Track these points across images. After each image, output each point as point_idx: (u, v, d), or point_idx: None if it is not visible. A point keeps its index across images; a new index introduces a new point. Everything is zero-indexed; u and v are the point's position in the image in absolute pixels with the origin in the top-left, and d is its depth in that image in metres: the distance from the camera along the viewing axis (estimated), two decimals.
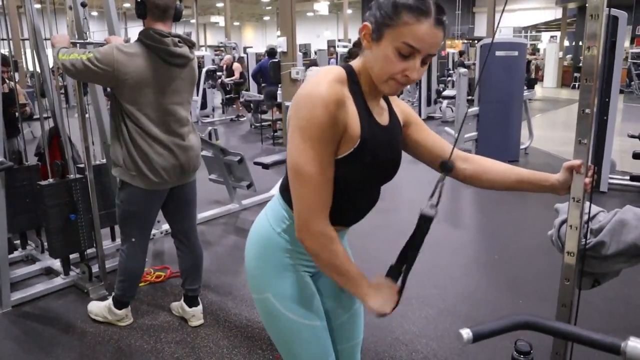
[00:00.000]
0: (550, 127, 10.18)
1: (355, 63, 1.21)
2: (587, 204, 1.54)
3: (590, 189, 1.24)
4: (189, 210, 2.73)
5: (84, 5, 2.76)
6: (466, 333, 0.90)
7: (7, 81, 4.21)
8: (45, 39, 3.18)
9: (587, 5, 1.13)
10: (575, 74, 19.09)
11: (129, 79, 2.27)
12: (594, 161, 5.18)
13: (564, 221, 1.45)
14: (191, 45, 2.48)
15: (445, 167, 1.23)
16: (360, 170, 1.19)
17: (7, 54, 3.56)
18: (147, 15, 2.34)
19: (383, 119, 1.25)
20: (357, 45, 1.22)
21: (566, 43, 21.13)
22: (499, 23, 1.35)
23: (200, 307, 2.79)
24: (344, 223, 1.33)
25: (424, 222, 1.18)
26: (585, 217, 1.53)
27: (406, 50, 1.09)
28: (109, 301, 2.75)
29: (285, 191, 1.27)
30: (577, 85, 18.60)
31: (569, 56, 20.98)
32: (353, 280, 1.18)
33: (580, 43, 19.67)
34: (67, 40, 2.56)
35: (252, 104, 9.77)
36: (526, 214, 4.62)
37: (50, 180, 3.03)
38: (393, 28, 1.08)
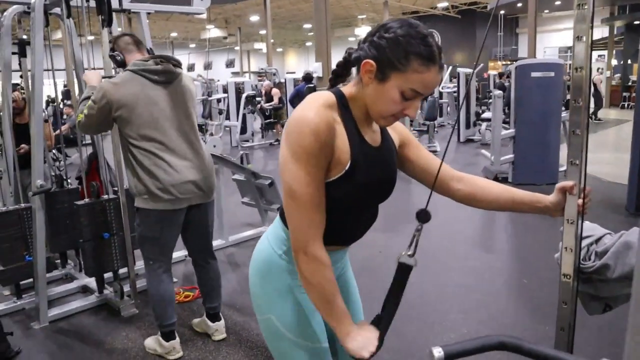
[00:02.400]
0: (597, 148, 9.85)
1: (346, 89, 1.24)
2: (588, 224, 1.52)
3: (582, 210, 1.22)
4: (204, 232, 2.77)
5: (111, 57, 2.92)
6: (438, 352, 0.91)
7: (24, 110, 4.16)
8: (85, 69, 3.40)
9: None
10: (625, 94, 18.45)
11: (122, 104, 2.41)
12: (638, 181, 4.99)
13: None
14: (175, 64, 2.59)
15: (421, 217, 1.17)
16: (354, 191, 1.21)
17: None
18: (124, 56, 2.60)
19: (375, 140, 1.28)
20: (340, 66, 1.26)
21: (614, 62, 20.49)
22: (482, 49, 1.37)
23: (222, 322, 2.86)
24: (342, 242, 1.35)
25: (403, 272, 1.15)
26: (590, 240, 1.51)
27: (411, 94, 1.14)
28: (159, 334, 2.73)
29: (284, 214, 1.32)
30: (627, 105, 17.96)
31: (617, 75, 20.32)
32: (337, 313, 1.17)
33: (629, 61, 19.05)
34: (99, 77, 2.73)
35: None
36: (559, 239, 4.48)
37: (86, 200, 3.19)
38: (401, 73, 1.11)
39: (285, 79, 12.26)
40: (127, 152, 2.53)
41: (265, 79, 16.25)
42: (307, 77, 9.01)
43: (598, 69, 19.05)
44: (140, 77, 2.48)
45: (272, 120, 11.82)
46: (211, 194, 2.69)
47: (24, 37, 3.69)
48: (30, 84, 3.15)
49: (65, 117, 10.37)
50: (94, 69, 3.61)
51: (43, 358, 2.75)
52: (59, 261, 3.90)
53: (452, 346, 0.93)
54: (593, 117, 14.68)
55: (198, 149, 2.61)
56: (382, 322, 1.17)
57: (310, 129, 1.12)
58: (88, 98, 2.51)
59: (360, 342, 1.14)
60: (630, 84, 18.24)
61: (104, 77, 2.87)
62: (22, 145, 3.87)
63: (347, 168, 1.18)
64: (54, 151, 4.97)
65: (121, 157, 3.11)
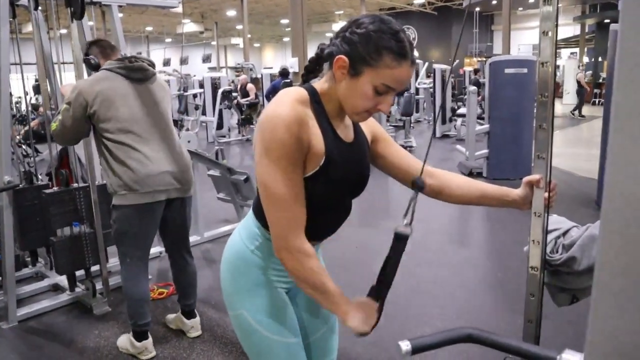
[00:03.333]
0: (568, 144, 10.05)
1: (318, 85, 1.24)
2: (556, 217, 1.54)
3: (548, 203, 1.24)
4: (182, 228, 2.75)
5: (85, 62, 2.86)
6: (405, 345, 0.91)
7: None
8: (54, 64, 3.32)
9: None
10: (595, 90, 18.85)
11: (99, 100, 2.40)
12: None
13: None
14: (149, 64, 2.62)
15: (417, 185, 1.25)
16: (328, 187, 1.21)
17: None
18: (100, 61, 2.61)
19: (348, 136, 1.28)
20: (312, 62, 1.26)
21: (585, 59, 20.91)
22: (458, 46, 1.38)
23: (198, 318, 2.84)
24: (316, 238, 1.35)
25: (400, 241, 1.18)
26: (557, 233, 1.53)
27: (383, 90, 1.14)
28: (131, 333, 2.68)
29: (257, 209, 1.30)
30: (597, 102, 18.36)
31: (588, 72, 20.75)
32: (332, 297, 1.18)
33: (600, 59, 19.47)
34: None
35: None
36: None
37: (55, 188, 3.13)
38: (373, 68, 1.12)
39: (262, 75, 12.20)
40: (101, 147, 2.49)
41: (242, 74, 16.16)
42: (284, 73, 8.98)
43: (579, 66, 19.46)
44: (115, 75, 2.48)
45: (245, 117, 11.76)
46: (189, 189, 2.67)
47: None
48: None
49: (33, 116, 10.14)
50: (63, 63, 3.54)
51: (12, 358, 2.69)
52: (29, 259, 3.82)
53: (420, 339, 0.93)
54: (577, 113, 15.02)
55: (174, 144, 2.61)
56: (379, 293, 1.19)
57: (283, 124, 1.11)
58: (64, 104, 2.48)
59: (360, 318, 1.16)
60: (601, 81, 18.64)
61: None
62: None
63: (321, 164, 1.18)
64: (24, 147, 4.85)
65: (92, 152, 3.06)
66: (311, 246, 1.19)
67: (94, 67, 2.62)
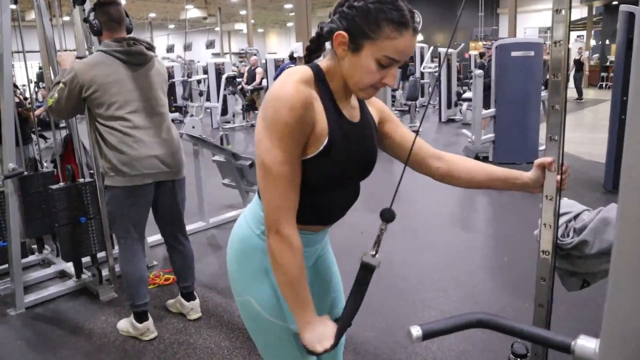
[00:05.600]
0: (574, 128, 9.95)
1: (323, 63, 1.21)
2: (567, 201, 1.52)
3: (560, 186, 1.21)
4: (174, 211, 2.74)
5: (86, 20, 2.83)
6: (416, 331, 0.89)
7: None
8: (57, 51, 3.29)
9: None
10: (602, 74, 18.62)
11: (93, 85, 2.40)
12: (615, 160, 5.05)
13: None
14: (148, 47, 2.59)
15: (386, 216, 1.18)
16: (334, 167, 1.19)
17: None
18: (103, 30, 2.54)
19: (353, 115, 1.25)
20: (314, 42, 1.23)
21: (592, 42, 20.63)
22: (456, 29, 1.34)
23: (197, 300, 2.87)
24: (324, 222, 1.32)
25: (365, 272, 1.13)
26: (568, 216, 1.51)
27: (386, 62, 1.11)
28: (132, 315, 2.71)
29: None
30: (604, 85, 18.14)
31: (595, 55, 20.47)
32: (300, 300, 1.15)
33: (607, 42, 19.19)
34: (73, 60, 2.68)
35: None
36: (538, 216, 4.52)
37: (61, 184, 3.11)
38: (374, 41, 1.09)
39: (266, 60, 12.12)
40: (94, 131, 2.53)
41: (246, 59, 16.06)
42: (293, 57, 8.90)
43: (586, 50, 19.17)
44: (112, 58, 2.47)
45: (248, 102, 11.70)
46: (179, 171, 2.67)
47: None
48: None
49: (42, 99, 10.15)
50: (67, 50, 3.50)
51: (19, 345, 2.70)
52: (35, 246, 3.82)
53: (430, 325, 0.91)
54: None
55: (166, 128, 2.61)
56: (342, 320, 1.15)
57: (286, 104, 1.09)
58: (60, 82, 2.46)
59: (318, 335, 1.14)
60: (608, 64, 18.38)
61: (77, 58, 2.79)
62: None
63: (324, 144, 1.15)
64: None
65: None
66: (299, 240, 1.15)
67: (95, 33, 2.58)
